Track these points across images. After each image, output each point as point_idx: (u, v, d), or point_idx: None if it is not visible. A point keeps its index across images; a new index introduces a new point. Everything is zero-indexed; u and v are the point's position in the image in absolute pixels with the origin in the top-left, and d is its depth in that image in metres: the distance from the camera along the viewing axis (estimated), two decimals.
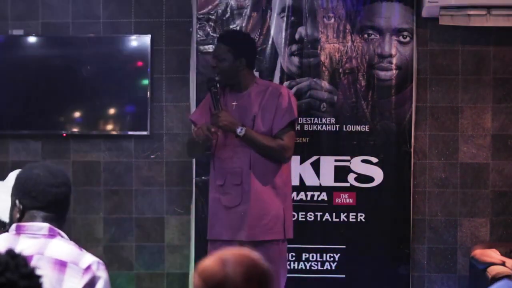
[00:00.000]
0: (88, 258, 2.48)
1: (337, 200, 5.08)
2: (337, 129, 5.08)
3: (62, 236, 2.52)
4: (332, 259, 5.07)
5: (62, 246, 2.49)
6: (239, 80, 4.14)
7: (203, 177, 5.06)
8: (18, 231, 2.52)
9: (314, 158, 5.07)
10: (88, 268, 2.45)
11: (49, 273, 2.41)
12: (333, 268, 5.07)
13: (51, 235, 2.50)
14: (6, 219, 2.96)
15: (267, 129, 4.10)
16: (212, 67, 4.21)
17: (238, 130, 4.03)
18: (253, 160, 4.07)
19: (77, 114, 5.23)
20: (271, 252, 4.03)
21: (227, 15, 5.11)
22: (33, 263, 2.31)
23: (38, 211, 2.54)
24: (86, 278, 2.43)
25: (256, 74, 4.99)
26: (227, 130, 4.08)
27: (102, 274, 2.48)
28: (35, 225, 2.51)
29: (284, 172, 4.15)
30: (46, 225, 2.51)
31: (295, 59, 5.09)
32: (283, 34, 5.07)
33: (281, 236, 4.09)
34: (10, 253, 1.65)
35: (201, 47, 5.11)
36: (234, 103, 4.17)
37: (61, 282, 2.42)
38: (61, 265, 2.44)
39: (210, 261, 1.81)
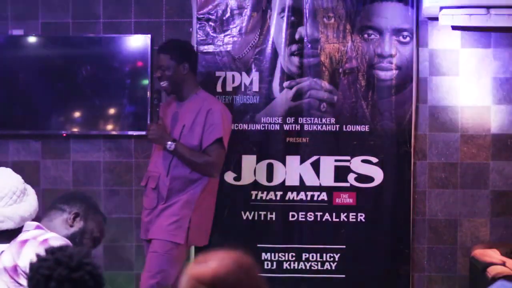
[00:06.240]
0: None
1: (337, 200, 5.08)
2: (337, 129, 5.07)
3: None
4: (332, 259, 5.07)
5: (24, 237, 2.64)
6: (182, 87, 4.37)
7: None
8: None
9: (314, 158, 5.06)
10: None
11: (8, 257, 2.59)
12: (333, 268, 5.07)
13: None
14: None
15: (197, 143, 4.33)
16: (157, 78, 4.43)
17: (168, 145, 4.29)
18: (172, 167, 4.33)
19: (77, 114, 5.22)
20: (169, 251, 4.31)
21: (227, 15, 5.11)
22: None
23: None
24: None
25: (256, 74, 5.02)
26: (157, 143, 4.36)
27: None
28: (28, 223, 2.68)
29: (209, 185, 4.37)
30: (33, 224, 2.68)
31: (295, 59, 5.08)
32: (283, 34, 5.07)
33: (181, 240, 4.32)
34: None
35: (201, 47, 5.10)
36: (175, 111, 4.42)
37: (19, 254, 2.57)
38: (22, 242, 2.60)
39: (194, 266, 1.85)
